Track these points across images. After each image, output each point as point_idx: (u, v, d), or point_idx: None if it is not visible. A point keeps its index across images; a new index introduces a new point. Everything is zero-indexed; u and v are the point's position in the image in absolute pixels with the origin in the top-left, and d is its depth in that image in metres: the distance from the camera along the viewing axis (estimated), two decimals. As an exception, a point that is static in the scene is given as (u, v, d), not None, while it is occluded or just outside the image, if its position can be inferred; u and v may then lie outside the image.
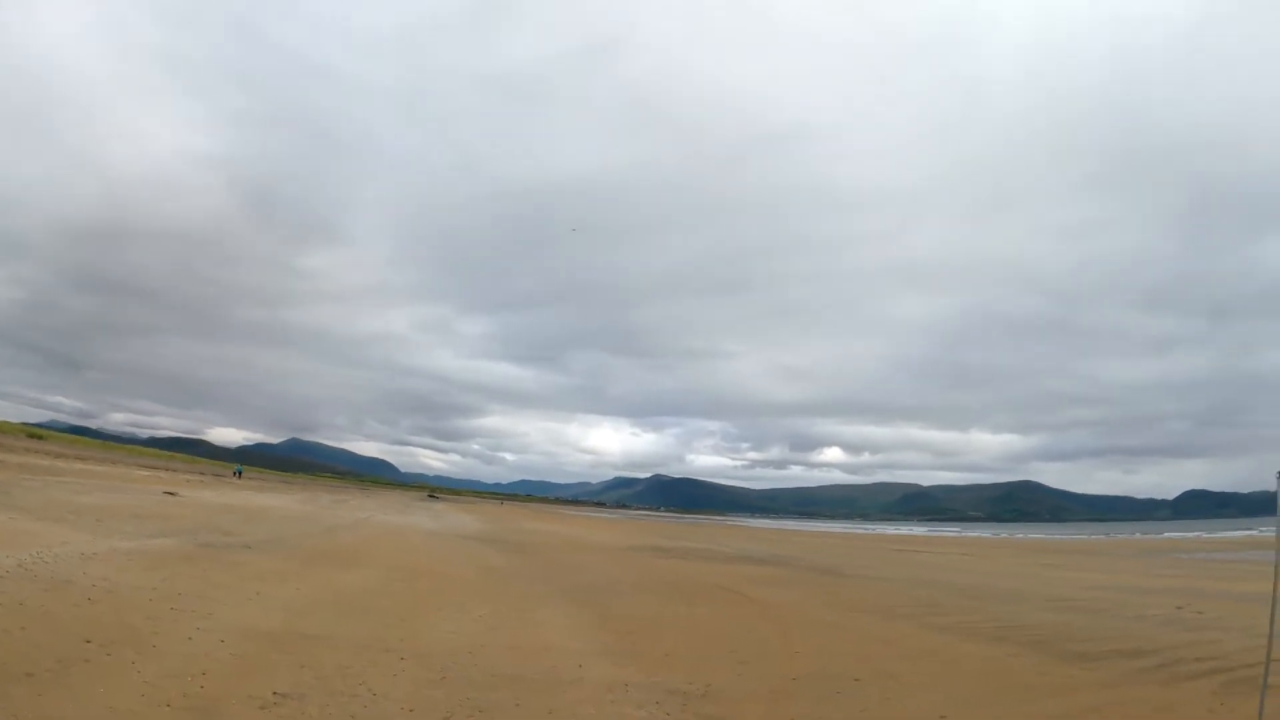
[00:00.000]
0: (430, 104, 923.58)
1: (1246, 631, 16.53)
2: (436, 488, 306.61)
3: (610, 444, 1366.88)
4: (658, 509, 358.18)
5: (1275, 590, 11.75)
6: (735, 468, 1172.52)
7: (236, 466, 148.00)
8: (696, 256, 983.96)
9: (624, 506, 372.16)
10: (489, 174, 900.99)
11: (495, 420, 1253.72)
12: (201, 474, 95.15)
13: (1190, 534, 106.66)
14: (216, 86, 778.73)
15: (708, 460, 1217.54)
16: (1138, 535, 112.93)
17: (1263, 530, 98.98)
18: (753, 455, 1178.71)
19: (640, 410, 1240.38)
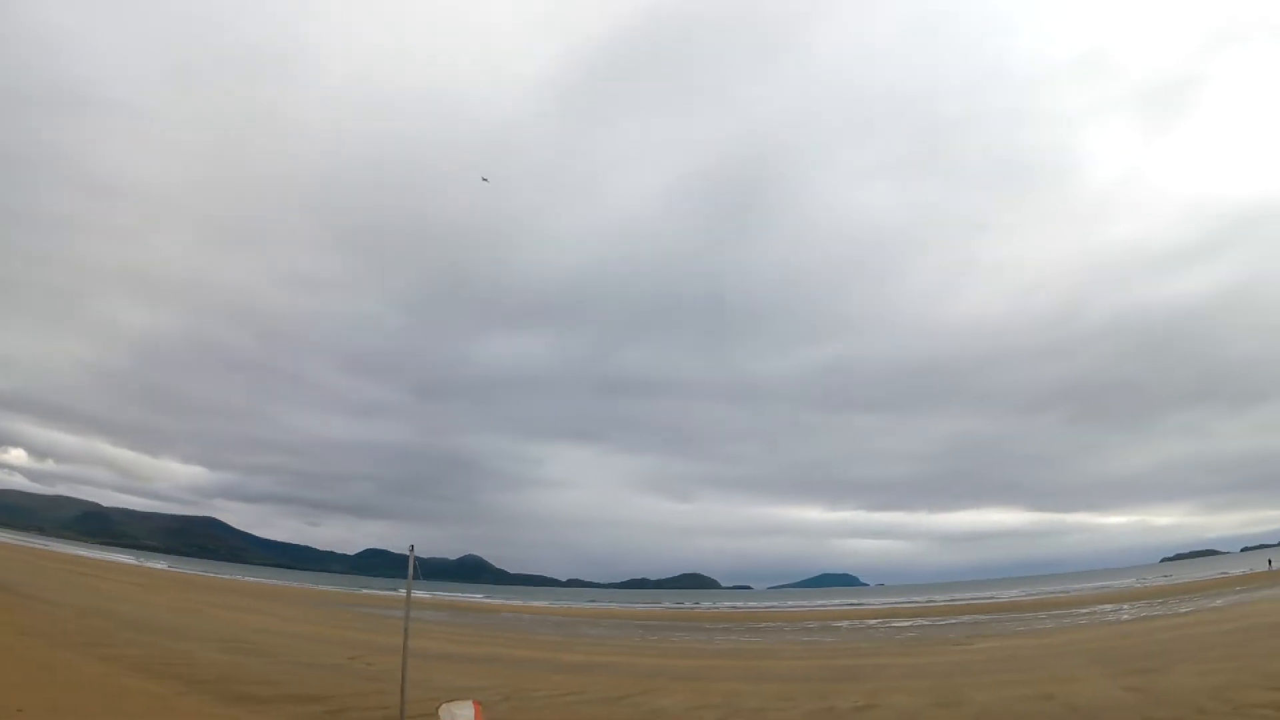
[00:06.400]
0: None
1: (415, 685, 17.48)
2: None
3: None
4: None
5: (405, 642, 14.93)
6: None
7: None
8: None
9: None
10: None
11: None
12: None
13: (367, 590, 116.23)
14: None
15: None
16: (320, 586, 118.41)
17: (438, 593, 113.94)
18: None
19: None
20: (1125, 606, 55.09)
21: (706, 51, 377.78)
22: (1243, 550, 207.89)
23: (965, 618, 58.73)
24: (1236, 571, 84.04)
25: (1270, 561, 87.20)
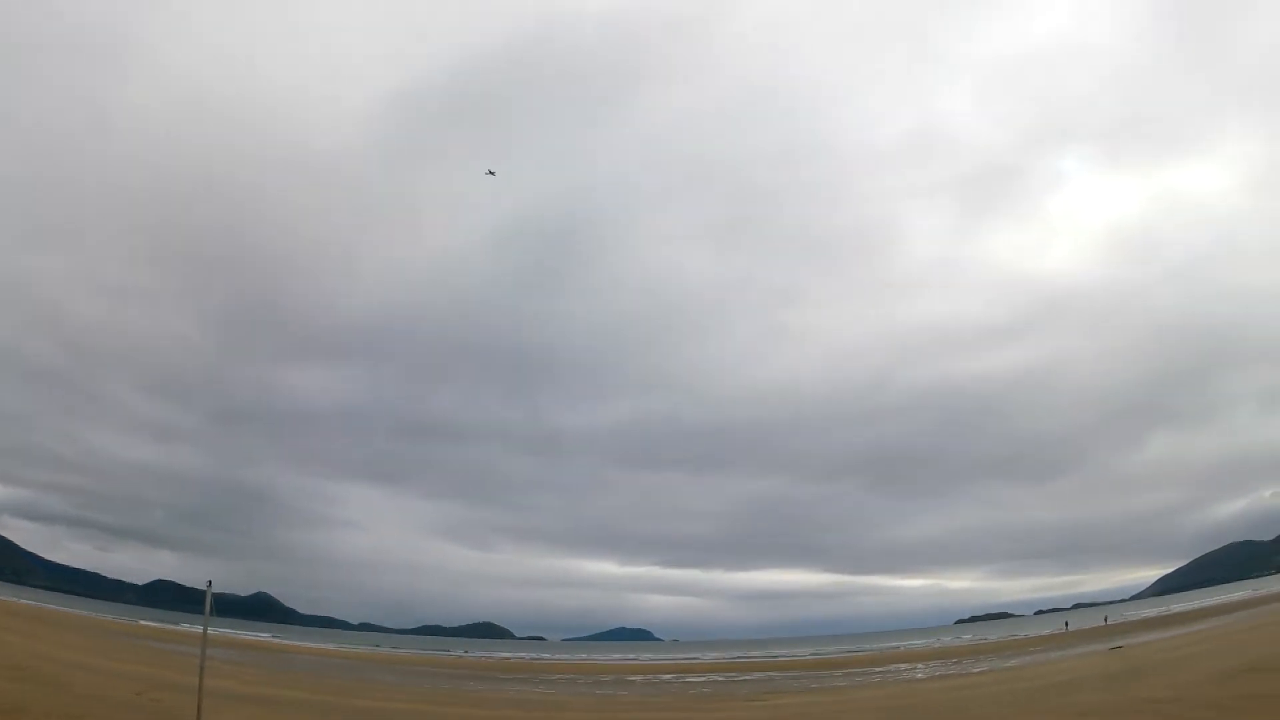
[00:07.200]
0: None
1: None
2: None
3: None
4: None
5: (200, 680, 15.79)
6: None
7: None
8: None
9: None
10: None
11: None
12: None
13: (156, 623, 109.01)
14: None
15: None
16: (108, 616, 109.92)
17: (226, 630, 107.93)
18: None
19: None
20: (920, 665, 57.14)
21: (533, 104, 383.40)
22: (1037, 613, 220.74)
23: (759, 674, 60.25)
24: (1032, 633, 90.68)
25: (1067, 624, 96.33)
